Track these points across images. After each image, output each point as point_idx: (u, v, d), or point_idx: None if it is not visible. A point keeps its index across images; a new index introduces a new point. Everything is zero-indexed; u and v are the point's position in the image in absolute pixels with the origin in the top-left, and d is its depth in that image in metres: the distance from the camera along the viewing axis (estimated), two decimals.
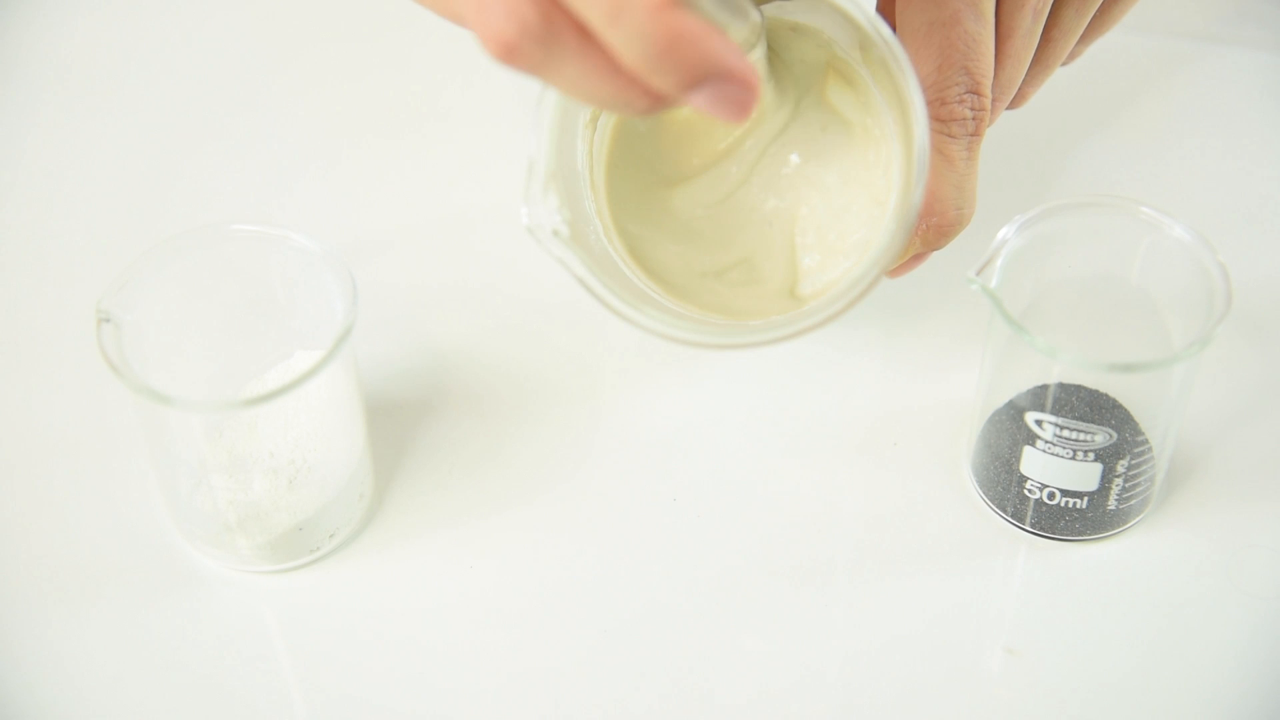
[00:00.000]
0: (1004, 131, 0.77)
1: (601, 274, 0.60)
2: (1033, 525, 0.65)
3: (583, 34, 0.49)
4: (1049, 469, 0.63)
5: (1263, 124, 0.79)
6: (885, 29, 0.60)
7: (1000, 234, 0.63)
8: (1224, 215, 0.75)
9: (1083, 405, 0.63)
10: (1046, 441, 0.63)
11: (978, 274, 0.61)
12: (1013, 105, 0.69)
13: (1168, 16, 0.83)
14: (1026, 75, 0.68)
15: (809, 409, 0.69)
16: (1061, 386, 0.63)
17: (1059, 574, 0.64)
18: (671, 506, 0.67)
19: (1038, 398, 0.62)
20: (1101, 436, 0.62)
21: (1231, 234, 0.72)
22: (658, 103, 0.50)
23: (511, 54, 0.49)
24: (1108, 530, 0.65)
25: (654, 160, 0.68)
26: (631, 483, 0.67)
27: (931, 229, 0.65)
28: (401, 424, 0.69)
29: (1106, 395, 0.63)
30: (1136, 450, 0.63)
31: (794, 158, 0.67)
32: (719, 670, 0.62)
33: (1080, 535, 0.65)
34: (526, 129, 0.60)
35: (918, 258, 0.66)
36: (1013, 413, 0.64)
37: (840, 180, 0.67)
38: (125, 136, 0.80)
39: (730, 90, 0.50)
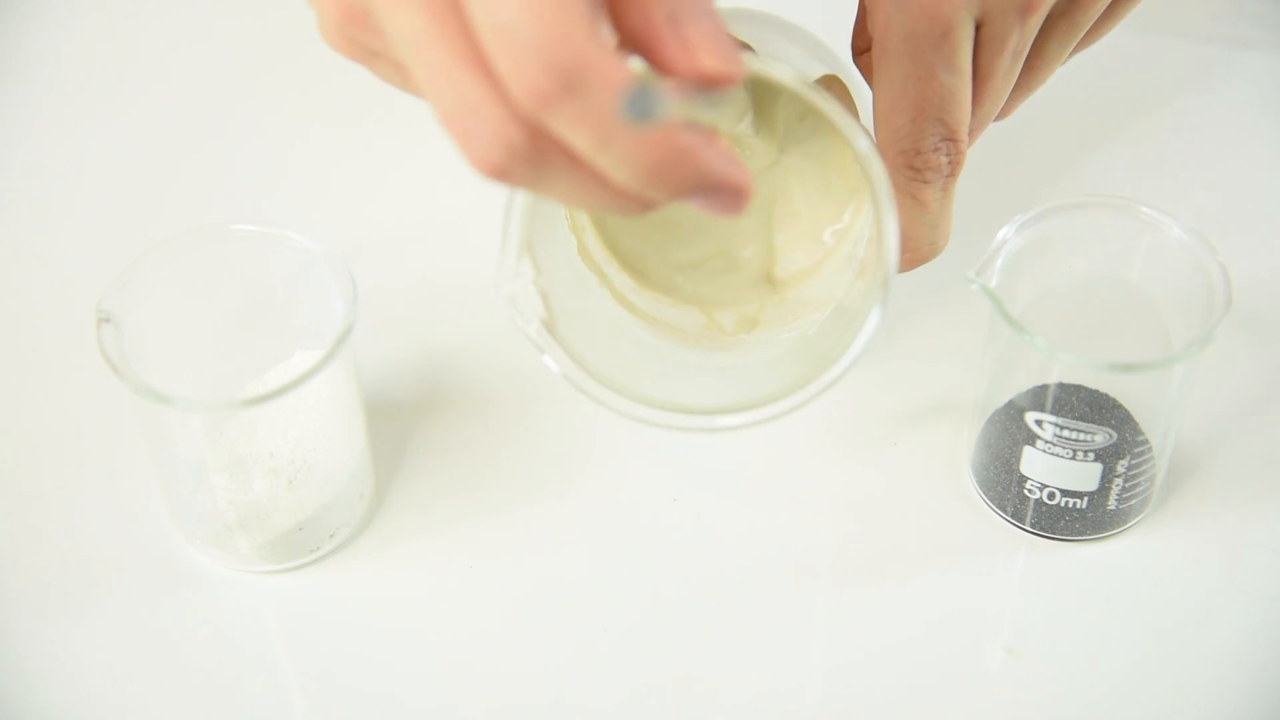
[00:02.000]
0: (1004, 131, 0.77)
1: (581, 353, 0.60)
2: (1033, 525, 0.65)
3: (570, 153, 0.49)
4: (1049, 469, 0.63)
5: (1263, 124, 0.79)
6: (863, 142, 0.59)
7: (1000, 234, 0.63)
8: (1224, 215, 0.75)
9: (1083, 405, 0.63)
10: (1046, 441, 0.63)
11: (978, 274, 0.61)
12: (998, 119, 0.68)
13: (1168, 17, 0.83)
14: (1010, 95, 0.68)
15: (808, 409, 0.69)
16: (1061, 386, 0.63)
17: (1059, 574, 0.64)
18: (671, 506, 0.67)
19: (1038, 398, 0.62)
20: (1101, 436, 0.62)
21: (1231, 234, 0.72)
22: (650, 207, 0.51)
23: (501, 174, 0.49)
24: (1108, 530, 0.65)
25: None
26: (631, 483, 0.67)
27: (905, 261, 0.65)
28: (401, 424, 0.69)
29: (1106, 395, 0.63)
30: (1136, 450, 0.63)
31: (777, 147, 0.67)
32: (719, 669, 0.62)
33: (1080, 535, 0.65)
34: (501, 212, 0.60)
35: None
36: (1013, 413, 0.64)
37: (818, 168, 0.66)
38: (124, 136, 0.80)
39: (722, 196, 0.50)
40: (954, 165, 0.63)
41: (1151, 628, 0.63)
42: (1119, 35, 0.79)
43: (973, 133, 0.65)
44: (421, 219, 0.76)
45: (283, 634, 0.64)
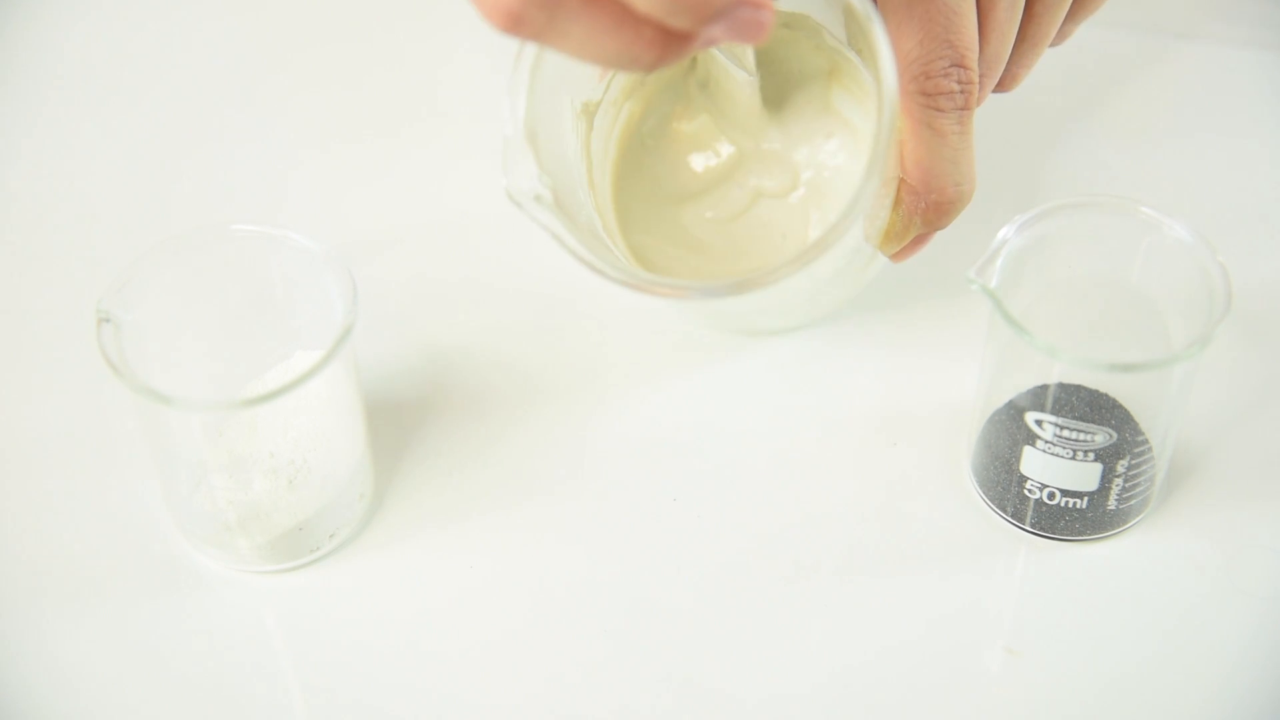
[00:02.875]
0: (1005, 131, 0.77)
1: (587, 240, 0.60)
2: (1033, 525, 0.65)
3: None
4: (1049, 469, 0.63)
5: (1263, 124, 0.79)
6: None
7: (1000, 234, 0.63)
8: (1224, 215, 0.75)
9: (1083, 405, 0.63)
10: (1046, 441, 0.63)
11: (978, 274, 0.61)
12: (1004, 87, 0.68)
13: (1168, 16, 0.83)
14: (1014, 54, 0.67)
15: (809, 409, 0.69)
16: (1061, 386, 0.63)
17: (1059, 574, 0.64)
18: (671, 506, 0.67)
19: (1038, 398, 0.62)
20: (1101, 436, 0.62)
21: (1231, 234, 0.72)
22: (666, 54, 0.50)
23: (516, 23, 0.49)
24: (1108, 530, 0.65)
25: (661, 176, 0.68)
26: (631, 482, 0.67)
27: (931, 207, 0.64)
28: (401, 424, 0.69)
29: (1106, 395, 0.63)
30: (1136, 450, 0.63)
31: (803, 168, 0.67)
32: (719, 670, 0.62)
33: (1080, 535, 0.65)
34: (502, 101, 0.60)
35: (920, 240, 0.66)
36: (1013, 413, 0.64)
37: (849, 185, 0.66)
38: (125, 136, 0.80)
39: (747, 13, 0.50)
40: (966, 95, 0.63)
41: (1151, 628, 0.63)
42: (1120, 34, 0.79)
43: (983, 77, 0.65)
44: (421, 219, 0.76)
45: (283, 634, 0.64)
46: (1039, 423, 0.63)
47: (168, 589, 0.64)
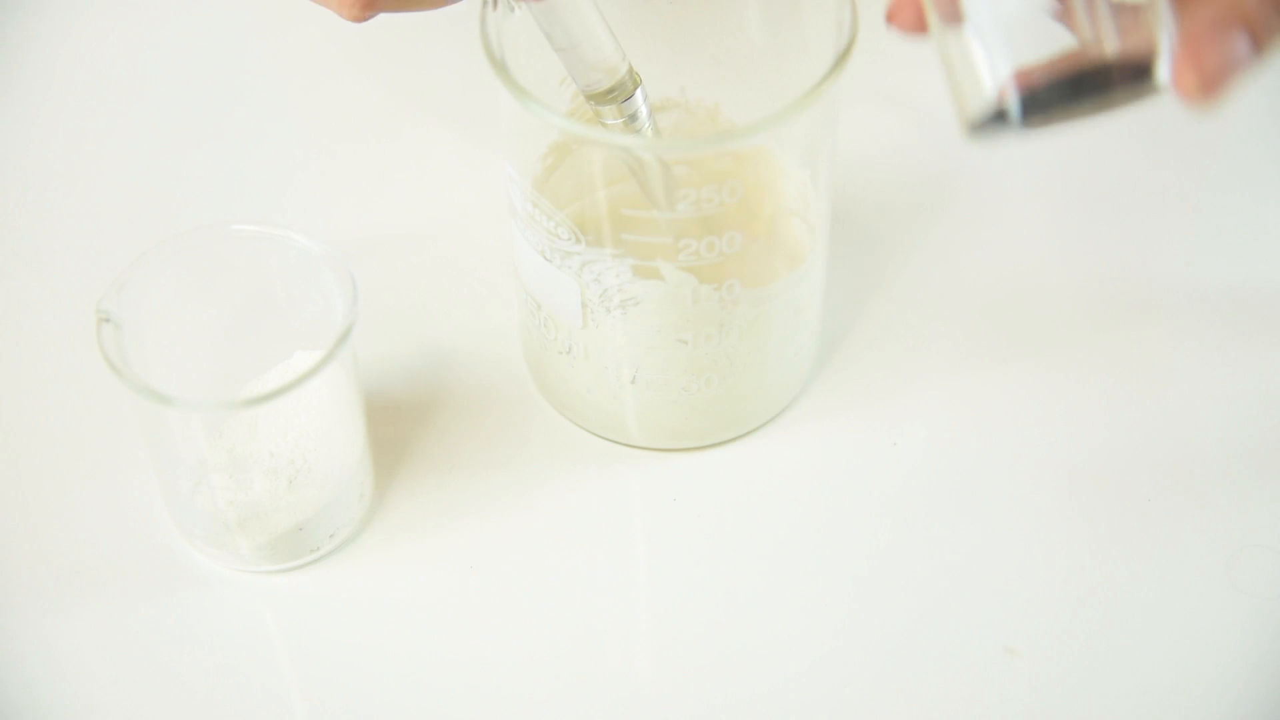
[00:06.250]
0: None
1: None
2: None
3: None
4: None
5: (1263, 124, 0.79)
6: None
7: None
8: (1224, 215, 0.75)
9: None
10: None
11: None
12: None
13: None
14: None
15: (807, 408, 0.69)
16: None
17: (1059, 574, 0.64)
18: (671, 507, 0.67)
19: None
20: None
21: (1231, 234, 0.72)
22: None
23: (370, 5, 0.55)
24: None
25: None
26: (631, 483, 0.67)
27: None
28: (401, 424, 0.69)
29: None
30: None
31: None
32: (718, 669, 0.62)
33: None
34: None
35: (1227, 66, 0.56)
36: None
37: None
38: (125, 136, 0.80)
39: None
40: None
41: (1152, 628, 0.63)
42: None
43: None
44: (421, 219, 0.76)
45: (283, 634, 0.64)
46: None
47: (168, 589, 0.64)
